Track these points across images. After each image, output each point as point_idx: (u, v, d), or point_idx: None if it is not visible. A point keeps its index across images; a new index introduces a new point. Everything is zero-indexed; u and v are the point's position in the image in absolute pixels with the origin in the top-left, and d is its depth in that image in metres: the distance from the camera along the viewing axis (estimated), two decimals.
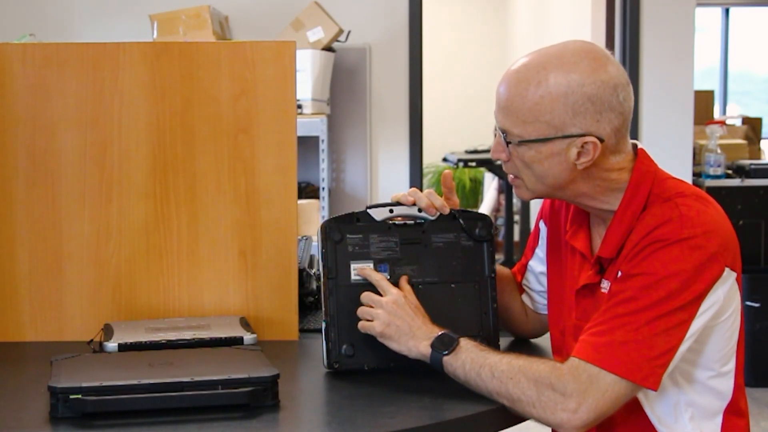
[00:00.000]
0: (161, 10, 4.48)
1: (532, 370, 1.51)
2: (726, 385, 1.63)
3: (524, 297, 1.91)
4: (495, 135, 1.66)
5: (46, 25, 4.84)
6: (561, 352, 1.75)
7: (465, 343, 1.59)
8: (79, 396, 1.44)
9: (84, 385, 1.45)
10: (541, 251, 1.86)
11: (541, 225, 1.87)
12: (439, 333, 1.62)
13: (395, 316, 1.65)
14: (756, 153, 5.66)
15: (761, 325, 4.66)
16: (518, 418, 1.58)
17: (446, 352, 1.59)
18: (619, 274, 1.58)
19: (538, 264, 1.87)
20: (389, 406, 1.55)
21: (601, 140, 1.57)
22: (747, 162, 5.13)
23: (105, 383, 1.46)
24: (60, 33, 4.80)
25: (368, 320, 1.67)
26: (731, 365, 1.63)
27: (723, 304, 1.55)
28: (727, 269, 1.54)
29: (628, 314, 1.50)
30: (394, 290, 1.68)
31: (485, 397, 1.55)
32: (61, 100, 1.98)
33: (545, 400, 1.49)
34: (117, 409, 1.45)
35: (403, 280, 1.72)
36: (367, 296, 1.69)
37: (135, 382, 1.47)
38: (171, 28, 4.40)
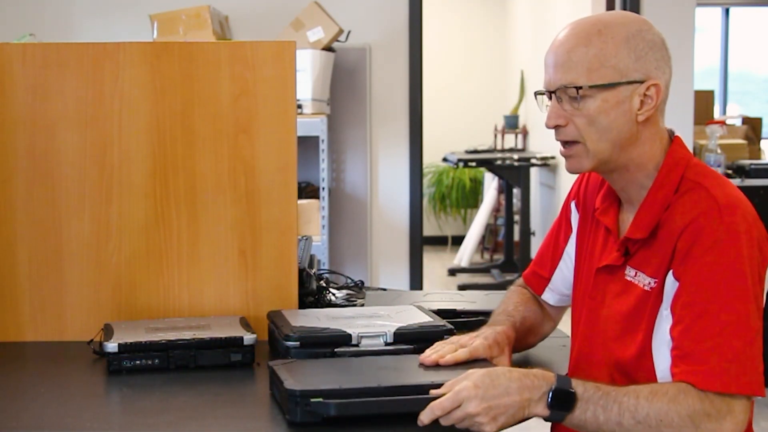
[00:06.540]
0: (161, 10, 4.48)
1: (681, 404, 1.45)
2: None
3: (546, 294, 1.87)
4: (543, 105, 1.65)
5: (46, 25, 4.84)
6: (577, 335, 1.74)
7: (583, 392, 1.47)
8: (320, 399, 1.42)
9: (324, 388, 1.44)
10: (574, 236, 1.83)
11: (573, 207, 1.84)
12: (551, 388, 1.47)
13: (487, 401, 1.45)
14: (756, 153, 5.67)
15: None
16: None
17: (566, 413, 1.47)
18: (671, 274, 1.54)
19: (572, 248, 1.83)
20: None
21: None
22: (747, 162, 5.12)
23: (344, 386, 1.44)
24: (60, 33, 4.80)
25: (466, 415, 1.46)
26: None
27: None
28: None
29: (720, 332, 1.47)
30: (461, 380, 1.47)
31: None
32: (61, 100, 1.98)
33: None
34: (360, 413, 1.43)
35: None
36: (437, 404, 1.44)
37: (375, 385, 1.45)
38: (171, 28, 4.40)
